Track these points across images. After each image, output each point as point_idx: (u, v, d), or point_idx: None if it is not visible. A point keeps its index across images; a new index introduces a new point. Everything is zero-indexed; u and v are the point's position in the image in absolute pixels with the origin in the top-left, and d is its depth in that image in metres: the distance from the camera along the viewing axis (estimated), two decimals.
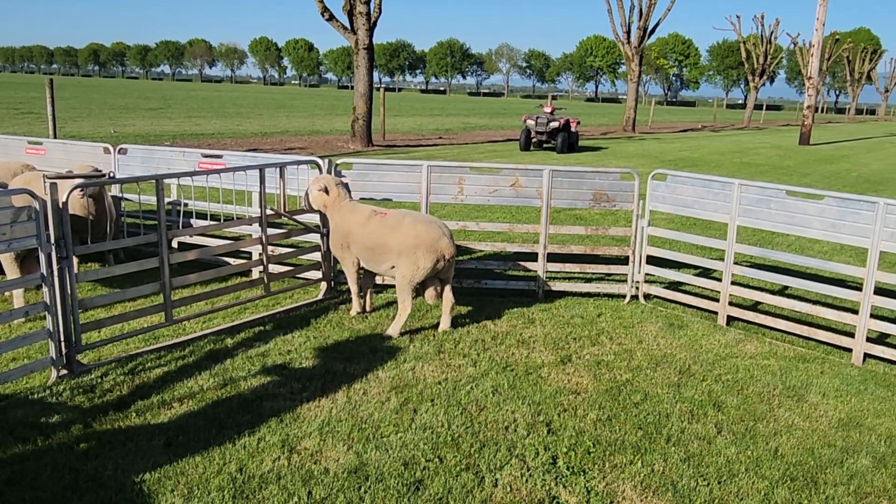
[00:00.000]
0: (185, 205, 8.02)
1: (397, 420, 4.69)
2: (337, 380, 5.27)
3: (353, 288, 6.71)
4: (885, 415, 5.15)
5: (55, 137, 16.15)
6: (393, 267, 6.19)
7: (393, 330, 6.21)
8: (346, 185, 6.87)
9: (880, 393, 5.53)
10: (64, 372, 5.10)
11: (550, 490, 3.98)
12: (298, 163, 7.19)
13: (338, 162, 7.32)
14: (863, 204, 6.04)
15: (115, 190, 8.33)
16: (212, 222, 6.69)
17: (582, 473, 4.17)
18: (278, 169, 6.93)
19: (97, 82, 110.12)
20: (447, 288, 6.33)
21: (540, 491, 3.96)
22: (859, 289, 6.14)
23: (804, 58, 50.36)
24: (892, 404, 5.33)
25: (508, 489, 3.96)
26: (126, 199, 8.44)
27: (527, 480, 4.06)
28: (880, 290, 6.12)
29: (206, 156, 7.92)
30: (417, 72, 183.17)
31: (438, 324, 6.44)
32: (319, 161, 7.21)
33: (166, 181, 7.56)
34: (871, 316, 6.18)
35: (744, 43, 57.84)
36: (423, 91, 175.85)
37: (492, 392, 5.17)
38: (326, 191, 6.58)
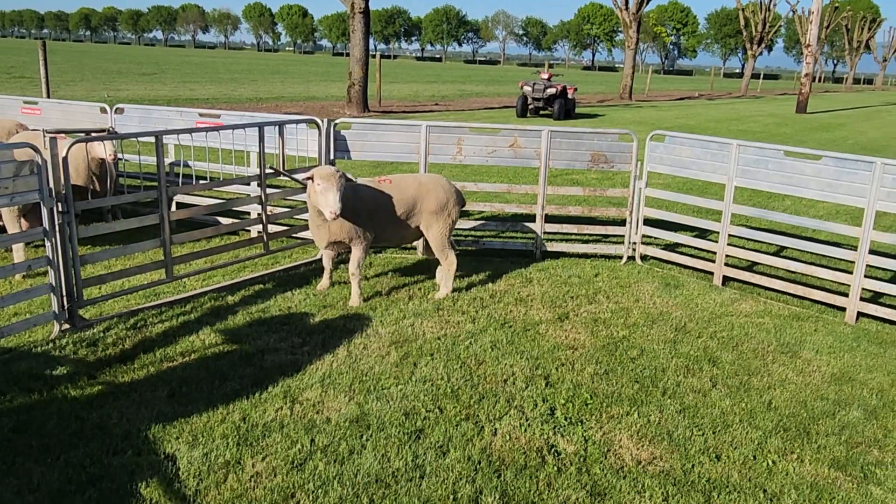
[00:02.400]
0: (186, 164, 8.00)
1: (397, 373, 4.75)
2: (337, 335, 5.33)
3: (329, 264, 6.44)
4: (877, 370, 5.24)
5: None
6: (417, 227, 6.19)
7: (446, 288, 6.26)
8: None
9: (873, 350, 5.62)
10: (66, 326, 5.14)
11: (549, 439, 4.06)
12: (297, 121, 7.16)
13: (336, 122, 7.30)
14: (860, 164, 6.07)
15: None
16: (212, 181, 6.68)
17: (580, 424, 4.25)
18: (277, 127, 6.90)
19: (89, 47, 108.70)
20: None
21: (538, 440, 4.04)
22: (854, 249, 6.20)
23: (802, 26, 49.93)
24: (883, 360, 5.42)
25: (507, 438, 4.04)
26: (124, 160, 8.40)
27: (525, 430, 4.14)
28: (875, 251, 6.18)
29: (204, 115, 7.88)
30: (413, 39, 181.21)
31: (435, 282, 6.49)
32: (318, 120, 7.19)
33: (164, 141, 7.57)
34: (866, 276, 6.25)
35: (742, 10, 57.27)
36: (418, 59, 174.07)
37: (490, 347, 5.23)
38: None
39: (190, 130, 6.16)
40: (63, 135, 7.21)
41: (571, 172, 12.62)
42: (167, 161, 7.98)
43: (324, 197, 5.43)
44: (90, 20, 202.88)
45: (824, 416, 4.50)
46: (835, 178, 6.23)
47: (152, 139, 5.72)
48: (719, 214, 6.98)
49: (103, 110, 8.21)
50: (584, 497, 3.55)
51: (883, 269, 6.78)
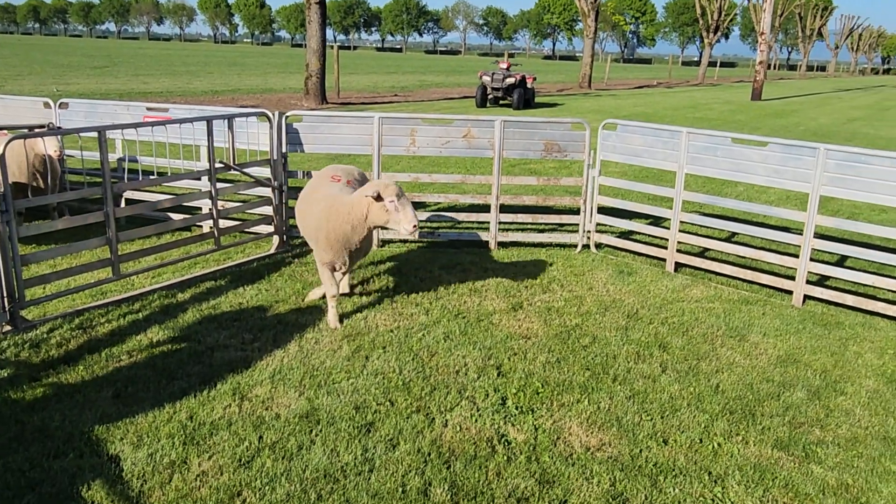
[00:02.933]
0: (135, 161, 7.83)
1: (349, 367, 4.73)
2: (289, 330, 5.28)
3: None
4: (821, 351, 5.36)
5: None
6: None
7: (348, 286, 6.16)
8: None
9: (818, 332, 5.75)
10: (8, 328, 5.01)
11: (499, 428, 4.08)
12: (247, 114, 7.06)
13: (288, 114, 7.21)
14: (804, 150, 6.19)
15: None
16: (159, 177, 6.54)
17: (530, 412, 4.27)
18: (226, 121, 6.79)
19: (38, 41, 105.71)
20: None
21: (489, 429, 4.06)
22: (801, 234, 6.33)
23: (757, 14, 50.76)
24: (828, 342, 5.55)
25: (458, 429, 4.05)
26: (68, 156, 8.20)
27: (476, 420, 4.15)
28: (822, 235, 6.32)
29: (152, 109, 7.72)
30: (373, 29, 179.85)
31: (391, 274, 6.46)
32: (269, 113, 7.09)
33: (111, 136, 7.40)
34: (812, 259, 6.38)
35: None
36: (379, 49, 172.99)
37: (443, 338, 5.23)
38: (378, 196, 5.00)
39: (134, 125, 6.02)
40: (4, 132, 7.02)
41: (530, 162, 12.66)
42: (115, 157, 7.81)
43: (403, 212, 4.85)
44: (39, 12, 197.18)
45: (769, 397, 4.60)
46: (781, 164, 6.34)
47: (95, 134, 5.58)
48: (672, 202, 7.07)
49: (47, 105, 7.99)
50: (532, 485, 3.57)
51: (830, 253, 6.95)
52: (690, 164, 6.87)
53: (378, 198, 4.90)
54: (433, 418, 4.14)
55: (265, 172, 7.14)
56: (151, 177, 6.68)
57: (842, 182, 6.00)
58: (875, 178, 5.81)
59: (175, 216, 7.45)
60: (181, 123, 6.47)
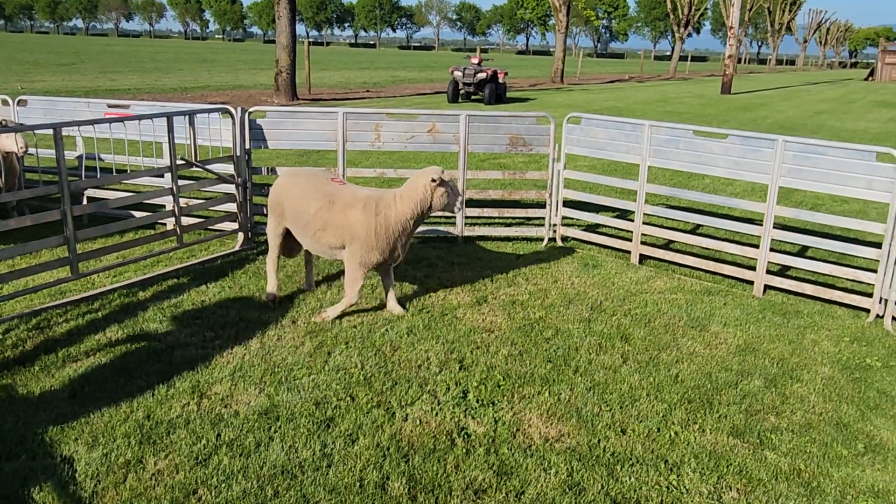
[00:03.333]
0: (92, 157, 7.71)
1: (310, 363, 4.71)
2: (251, 327, 5.24)
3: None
4: (779, 340, 5.44)
5: None
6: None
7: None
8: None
9: (777, 321, 5.83)
10: None
11: (459, 422, 4.09)
12: (209, 110, 6.98)
13: (251, 110, 7.15)
14: (763, 142, 6.27)
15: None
16: (119, 174, 6.46)
17: (491, 405, 4.29)
18: (188, 117, 6.72)
19: (3, 38, 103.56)
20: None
21: (449, 423, 4.07)
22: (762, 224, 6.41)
23: (726, 9, 51.30)
24: (786, 330, 5.64)
25: (418, 422, 4.05)
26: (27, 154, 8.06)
27: (437, 414, 4.15)
28: (783, 226, 6.41)
29: (112, 105, 7.61)
30: (346, 25, 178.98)
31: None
32: (231, 108, 7.03)
33: (73, 133, 7.28)
34: (773, 250, 6.48)
35: None
36: (352, 45, 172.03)
37: (406, 333, 5.23)
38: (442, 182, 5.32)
39: (91, 122, 5.92)
40: None
41: (500, 156, 12.68)
42: (74, 154, 7.69)
43: (454, 194, 5.35)
44: (4, 8, 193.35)
45: (727, 386, 4.66)
46: (741, 156, 6.42)
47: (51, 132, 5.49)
48: (635, 194, 7.12)
49: (5, 103, 7.85)
50: (490, 477, 3.59)
51: (791, 244, 7.06)
52: (653, 156, 6.92)
53: (441, 183, 5.23)
54: (394, 413, 4.15)
55: (229, 169, 7.07)
56: (110, 174, 6.59)
57: (799, 173, 6.10)
58: (830, 169, 5.91)
59: (137, 214, 7.36)
60: (140, 120, 6.39)
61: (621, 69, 70.65)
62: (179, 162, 6.45)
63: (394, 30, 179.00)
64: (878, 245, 5.82)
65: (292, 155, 11.86)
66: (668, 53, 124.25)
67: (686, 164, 6.78)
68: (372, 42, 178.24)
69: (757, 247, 6.49)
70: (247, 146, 7.09)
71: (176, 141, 6.52)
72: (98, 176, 6.68)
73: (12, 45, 67.26)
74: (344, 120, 7.18)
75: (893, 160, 5.65)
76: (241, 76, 35.55)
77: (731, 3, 37.36)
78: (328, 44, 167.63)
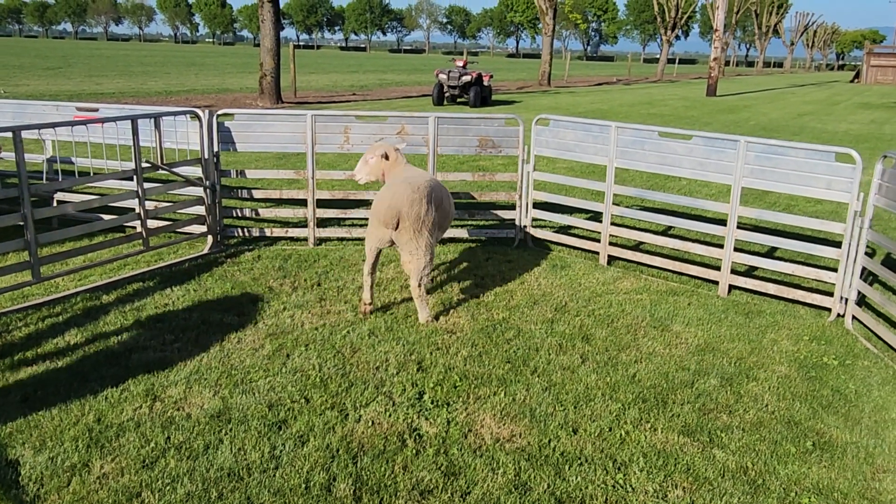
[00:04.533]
0: (60, 160, 7.68)
1: (268, 365, 4.71)
2: (212, 330, 5.24)
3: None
4: (739, 339, 5.48)
5: None
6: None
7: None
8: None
9: (738, 320, 5.87)
10: None
11: (412, 423, 4.09)
12: (175, 113, 6.97)
13: (218, 113, 7.15)
14: (726, 143, 6.31)
15: None
16: (83, 177, 6.43)
17: (445, 406, 4.29)
18: (153, 120, 6.70)
19: None
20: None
21: (401, 424, 4.07)
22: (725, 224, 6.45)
23: (712, 12, 51.55)
24: (747, 330, 5.67)
25: (370, 424, 4.06)
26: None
27: (390, 415, 4.16)
28: (750, 227, 6.44)
29: (81, 109, 7.59)
30: (336, 28, 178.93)
31: (322, 272, 6.44)
32: (199, 111, 7.02)
33: (41, 136, 7.24)
34: (739, 250, 6.52)
35: None
36: (342, 48, 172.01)
37: (368, 335, 5.24)
38: (386, 156, 5.94)
39: (52, 125, 5.90)
40: None
41: (477, 159, 12.70)
42: (42, 158, 7.66)
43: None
44: None
45: (683, 385, 4.68)
46: (705, 157, 6.46)
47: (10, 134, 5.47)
48: (603, 195, 7.15)
49: None
50: (437, 477, 3.60)
51: (760, 245, 7.09)
52: (620, 157, 6.96)
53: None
54: (347, 414, 4.15)
55: (197, 172, 7.06)
56: (73, 177, 6.56)
57: (761, 174, 6.14)
58: (791, 170, 5.95)
59: (104, 216, 7.33)
60: (103, 123, 6.38)
61: (610, 72, 70.90)
62: (145, 165, 6.44)
63: (384, 33, 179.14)
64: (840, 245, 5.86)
65: (270, 158, 11.84)
66: (658, 56, 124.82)
67: (652, 165, 6.82)
68: (363, 45, 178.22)
69: (721, 247, 6.53)
70: (215, 149, 7.09)
71: (143, 144, 6.51)
72: (60, 179, 6.64)
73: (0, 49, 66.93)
74: (313, 122, 7.18)
75: (852, 161, 5.69)
76: (228, 80, 35.51)
77: (717, 7, 37.57)
78: (319, 47, 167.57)
